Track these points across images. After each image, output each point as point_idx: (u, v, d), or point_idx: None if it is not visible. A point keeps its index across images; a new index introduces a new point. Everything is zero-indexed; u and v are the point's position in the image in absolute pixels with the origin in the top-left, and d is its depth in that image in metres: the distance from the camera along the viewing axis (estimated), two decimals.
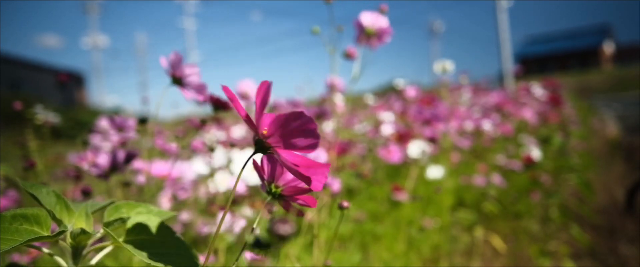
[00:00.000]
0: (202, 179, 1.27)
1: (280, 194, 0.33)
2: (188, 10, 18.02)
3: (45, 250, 0.31)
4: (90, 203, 0.35)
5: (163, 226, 0.31)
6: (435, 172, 1.53)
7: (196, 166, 1.17)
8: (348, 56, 0.93)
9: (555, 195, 1.50)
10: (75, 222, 0.31)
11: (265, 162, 0.33)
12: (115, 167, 0.78)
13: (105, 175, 0.75)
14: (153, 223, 0.31)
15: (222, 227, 0.82)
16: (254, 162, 0.33)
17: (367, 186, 1.55)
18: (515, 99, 3.17)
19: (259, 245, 0.27)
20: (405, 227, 1.33)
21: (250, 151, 0.82)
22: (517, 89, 4.06)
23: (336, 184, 0.47)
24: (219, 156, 1.21)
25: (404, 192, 1.31)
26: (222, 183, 1.01)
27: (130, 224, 0.30)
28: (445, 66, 1.45)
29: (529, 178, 1.76)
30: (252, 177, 0.95)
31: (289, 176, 0.33)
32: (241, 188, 0.96)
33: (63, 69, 18.24)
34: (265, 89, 0.28)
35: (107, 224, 0.31)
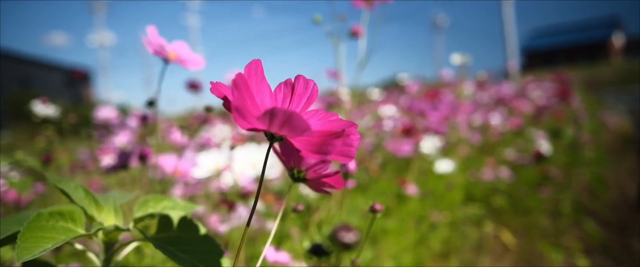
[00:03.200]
0: (212, 174, 1.27)
1: (304, 177, 0.33)
2: (192, 7, 18.06)
3: (78, 246, 0.32)
4: (117, 196, 0.35)
5: (191, 223, 0.32)
6: (444, 166, 1.52)
7: (201, 164, 1.17)
8: (353, 35, 0.93)
9: (566, 190, 1.50)
10: (105, 217, 0.31)
11: (284, 148, 0.33)
12: (125, 164, 0.80)
13: (115, 170, 0.77)
14: (181, 219, 0.31)
15: (242, 222, 0.83)
16: (274, 149, 0.33)
17: (376, 180, 1.55)
18: (522, 93, 3.14)
19: (318, 252, 0.26)
20: (415, 221, 1.33)
21: (256, 145, 0.82)
22: (524, 82, 4.03)
23: (352, 165, 0.47)
24: (226, 151, 1.21)
25: (414, 187, 1.31)
26: (234, 177, 1.02)
27: (159, 220, 0.31)
28: (463, 58, 1.44)
29: (539, 173, 1.75)
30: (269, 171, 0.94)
31: (311, 160, 0.32)
32: (248, 183, 0.96)
33: (70, 67, 18.37)
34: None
35: (136, 220, 0.31)
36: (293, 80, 0.29)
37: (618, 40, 28.70)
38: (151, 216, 0.32)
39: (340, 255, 0.25)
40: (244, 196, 1.01)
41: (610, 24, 29.46)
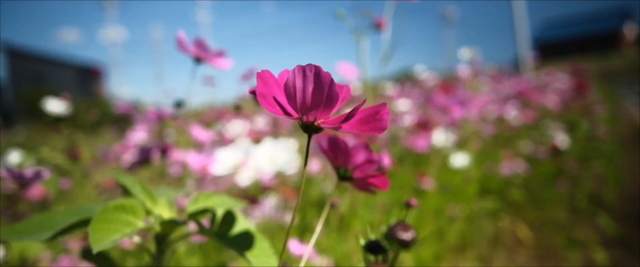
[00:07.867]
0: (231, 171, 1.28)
1: (350, 176, 0.32)
2: (202, 3, 18.08)
3: (136, 238, 0.33)
4: (170, 192, 0.36)
5: (240, 219, 0.33)
6: (460, 159, 1.52)
7: (220, 160, 1.17)
8: (377, 26, 0.93)
9: (582, 183, 1.49)
10: (160, 211, 0.32)
11: (331, 144, 0.32)
12: (146, 160, 0.81)
13: (136, 166, 0.78)
14: (231, 216, 0.32)
15: (265, 215, 0.84)
16: (321, 146, 0.32)
17: (394, 175, 1.56)
18: (538, 85, 3.12)
19: (375, 250, 0.25)
20: (432, 215, 1.33)
21: (274, 141, 0.83)
22: (538, 75, 3.99)
23: (387, 160, 0.47)
24: (243, 147, 1.22)
25: (430, 181, 1.32)
26: (252, 173, 1.03)
27: (211, 215, 0.32)
28: (471, 52, 1.44)
29: (555, 166, 1.75)
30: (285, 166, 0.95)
31: (359, 158, 0.31)
32: (267, 178, 0.96)
33: (82, 63, 18.55)
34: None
35: (190, 215, 0.33)
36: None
37: (630, 31, 28.21)
38: (203, 211, 0.33)
39: (397, 252, 0.25)
40: (264, 190, 1.02)
41: (621, 15, 28.98)
